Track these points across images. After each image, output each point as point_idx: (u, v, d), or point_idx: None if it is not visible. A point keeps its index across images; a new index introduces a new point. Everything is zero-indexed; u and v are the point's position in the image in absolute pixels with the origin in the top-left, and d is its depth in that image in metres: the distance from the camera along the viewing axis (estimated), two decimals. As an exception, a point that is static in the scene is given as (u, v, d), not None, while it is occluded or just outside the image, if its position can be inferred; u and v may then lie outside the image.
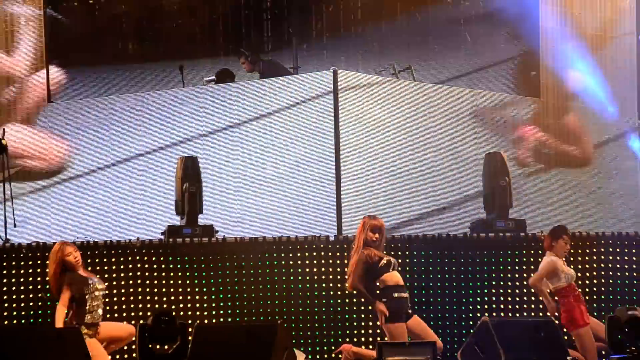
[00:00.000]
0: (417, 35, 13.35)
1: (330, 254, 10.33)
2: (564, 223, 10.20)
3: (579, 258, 10.40)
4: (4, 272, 10.10)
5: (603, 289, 10.53)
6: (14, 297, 10.06)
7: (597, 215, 12.46)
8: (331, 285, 10.27)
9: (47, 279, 9.18)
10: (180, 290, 10.22)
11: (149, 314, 9.74)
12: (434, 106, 12.41)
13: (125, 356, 9.89)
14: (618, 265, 10.58)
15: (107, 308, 9.23)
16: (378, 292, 8.98)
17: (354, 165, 11.53)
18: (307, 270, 10.31)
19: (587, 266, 10.51)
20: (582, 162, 12.91)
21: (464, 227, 11.02)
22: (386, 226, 9.37)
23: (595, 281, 10.50)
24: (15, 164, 12.21)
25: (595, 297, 10.36)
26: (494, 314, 10.33)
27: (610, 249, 10.60)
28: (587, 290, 10.36)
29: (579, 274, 10.09)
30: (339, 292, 10.23)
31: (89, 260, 9.73)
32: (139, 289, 10.14)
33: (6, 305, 10.06)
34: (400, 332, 8.87)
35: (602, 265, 10.55)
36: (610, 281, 10.59)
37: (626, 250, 10.59)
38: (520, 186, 12.23)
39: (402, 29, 13.33)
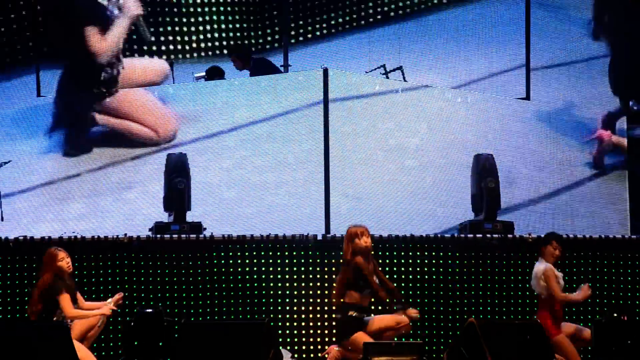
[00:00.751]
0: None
1: (318, 253, 10.39)
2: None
3: (566, 262, 10.46)
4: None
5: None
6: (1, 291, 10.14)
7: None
8: (318, 284, 10.34)
9: (37, 275, 9.21)
10: (167, 287, 10.27)
11: (135, 310, 9.74)
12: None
13: (112, 353, 9.92)
14: (605, 270, 10.66)
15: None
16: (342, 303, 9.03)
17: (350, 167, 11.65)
18: (295, 269, 10.37)
19: (575, 270, 10.60)
20: None
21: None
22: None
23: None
24: (121, 128, 12.27)
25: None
26: (481, 315, 10.38)
27: (598, 253, 10.70)
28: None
29: (566, 278, 10.12)
30: (326, 292, 10.28)
31: (75, 256, 9.74)
32: (126, 286, 10.16)
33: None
34: (361, 339, 8.85)
35: (590, 269, 10.65)
36: (597, 285, 10.65)
37: (613, 254, 10.69)
38: (590, 187, 12.53)
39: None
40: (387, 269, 10.15)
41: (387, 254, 10.36)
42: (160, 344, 9.27)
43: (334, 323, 10.11)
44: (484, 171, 10.85)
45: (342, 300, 8.99)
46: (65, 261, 9.00)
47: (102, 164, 12.11)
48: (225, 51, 13.46)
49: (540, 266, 9.46)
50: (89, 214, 11.65)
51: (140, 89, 12.54)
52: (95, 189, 11.91)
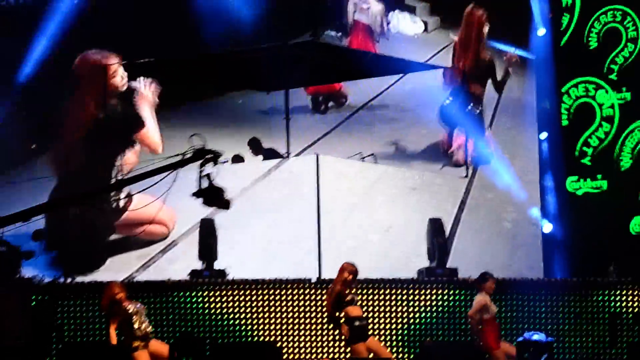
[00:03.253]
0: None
1: (312, 291, 12.53)
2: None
3: (497, 296, 12.52)
4: (78, 301, 12.17)
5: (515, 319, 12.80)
6: (84, 321, 12.13)
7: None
8: (313, 314, 12.47)
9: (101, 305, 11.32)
10: (200, 317, 12.25)
11: (176, 334, 11.98)
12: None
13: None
14: (525, 302, 12.79)
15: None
16: (342, 320, 11.23)
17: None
18: (295, 303, 12.50)
19: (503, 302, 12.73)
20: None
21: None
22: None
23: (509, 314, 12.78)
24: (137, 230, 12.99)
25: (509, 325, 12.63)
26: (434, 338, 12.48)
27: (518, 290, 12.73)
28: (502, 320, 12.56)
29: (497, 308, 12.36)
30: (320, 321, 12.45)
31: (134, 294, 11.73)
32: (170, 316, 12.14)
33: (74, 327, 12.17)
34: (361, 350, 11.16)
35: (513, 301, 12.78)
36: (519, 314, 12.78)
37: (531, 291, 12.83)
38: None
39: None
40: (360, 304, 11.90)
41: (364, 291, 12.42)
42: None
43: (325, 342, 12.33)
44: (436, 230, 12.98)
45: (344, 316, 11.01)
46: (118, 295, 10.97)
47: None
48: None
49: (478, 297, 11.85)
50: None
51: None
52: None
